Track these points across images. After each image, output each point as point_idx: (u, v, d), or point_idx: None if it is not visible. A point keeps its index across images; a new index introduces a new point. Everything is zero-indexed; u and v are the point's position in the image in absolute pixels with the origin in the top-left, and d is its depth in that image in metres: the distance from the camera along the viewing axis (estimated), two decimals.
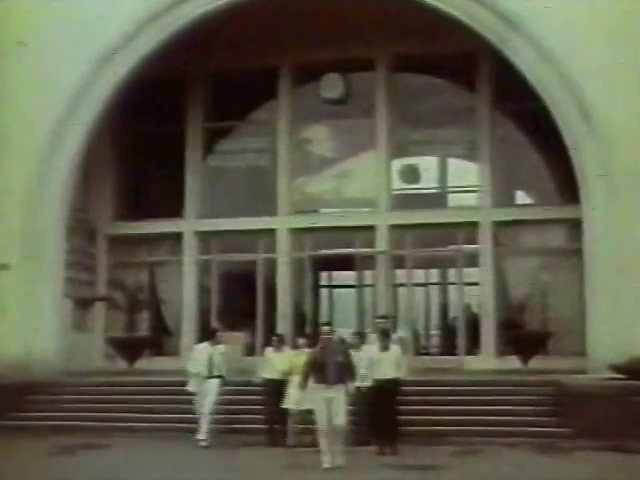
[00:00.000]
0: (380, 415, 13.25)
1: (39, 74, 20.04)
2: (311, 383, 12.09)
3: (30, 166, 19.95)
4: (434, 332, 25.71)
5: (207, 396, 14.28)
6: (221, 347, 14.69)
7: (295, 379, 13.21)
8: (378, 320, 14.98)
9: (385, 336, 13.55)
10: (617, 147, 17.55)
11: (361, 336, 14.16)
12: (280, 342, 15.12)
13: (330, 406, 11.74)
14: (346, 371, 12.04)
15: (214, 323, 21.82)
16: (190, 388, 14.56)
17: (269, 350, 15.07)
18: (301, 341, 14.81)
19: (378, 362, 13.20)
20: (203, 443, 14.00)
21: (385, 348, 13.29)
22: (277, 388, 14.19)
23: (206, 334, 15.57)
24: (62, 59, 19.92)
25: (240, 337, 21.32)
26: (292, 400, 13.75)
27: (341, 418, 11.79)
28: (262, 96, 22.83)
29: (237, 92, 22.51)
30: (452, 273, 23.57)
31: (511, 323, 20.77)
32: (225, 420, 14.73)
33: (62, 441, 14.69)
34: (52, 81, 19.93)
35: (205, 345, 14.80)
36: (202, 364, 14.46)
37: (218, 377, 14.49)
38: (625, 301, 17.17)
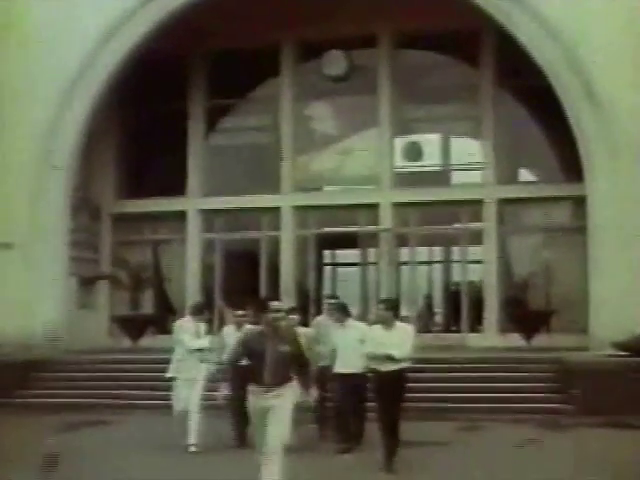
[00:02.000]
0: (381, 419, 10.27)
1: (40, 54, 20.01)
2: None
3: (33, 145, 19.98)
4: (437, 310, 25.72)
5: (194, 388, 11.64)
6: (203, 325, 12.19)
7: None
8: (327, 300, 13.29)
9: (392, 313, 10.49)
10: (621, 124, 17.49)
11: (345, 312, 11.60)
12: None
13: (265, 420, 8.19)
14: (294, 367, 8.38)
15: (218, 301, 21.92)
16: (176, 375, 12.00)
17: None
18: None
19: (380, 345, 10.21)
20: (193, 448, 11.40)
21: (389, 326, 10.25)
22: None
23: (193, 309, 12.68)
24: (63, 38, 19.91)
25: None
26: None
27: (277, 438, 8.11)
28: (264, 73, 22.75)
29: (239, 69, 22.43)
30: (456, 251, 23.56)
31: (514, 301, 20.78)
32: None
33: (66, 418, 14.76)
34: (53, 60, 19.92)
35: (188, 321, 12.29)
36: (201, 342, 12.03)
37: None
38: (628, 279, 17.17)
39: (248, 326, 11.31)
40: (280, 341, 8.19)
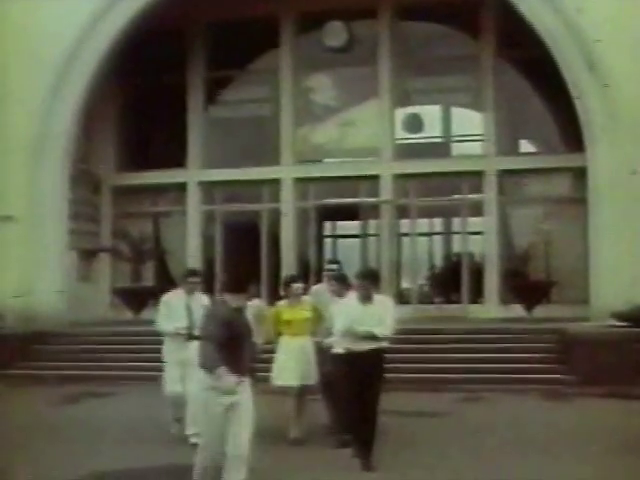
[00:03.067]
0: (353, 407, 8.94)
1: (38, 27, 19.90)
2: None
3: (32, 118, 19.91)
4: (437, 281, 25.74)
5: (187, 372, 9.99)
6: (204, 298, 10.62)
7: None
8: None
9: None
10: (622, 95, 17.43)
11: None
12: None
13: (227, 419, 7.12)
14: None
15: (219, 273, 21.93)
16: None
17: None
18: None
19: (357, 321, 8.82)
20: (193, 439, 9.26)
21: (366, 299, 8.87)
22: None
23: (183, 278, 10.99)
24: (60, 11, 19.78)
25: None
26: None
27: (244, 440, 7.15)
28: (264, 45, 22.62)
29: (239, 41, 22.31)
30: (456, 222, 23.55)
31: (515, 272, 20.81)
32: None
33: (67, 390, 14.83)
34: (51, 33, 19.80)
35: (179, 294, 10.74)
36: (180, 322, 10.50)
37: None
38: (628, 250, 17.17)
39: (255, 301, 10.11)
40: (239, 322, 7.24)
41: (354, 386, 8.77)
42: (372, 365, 8.78)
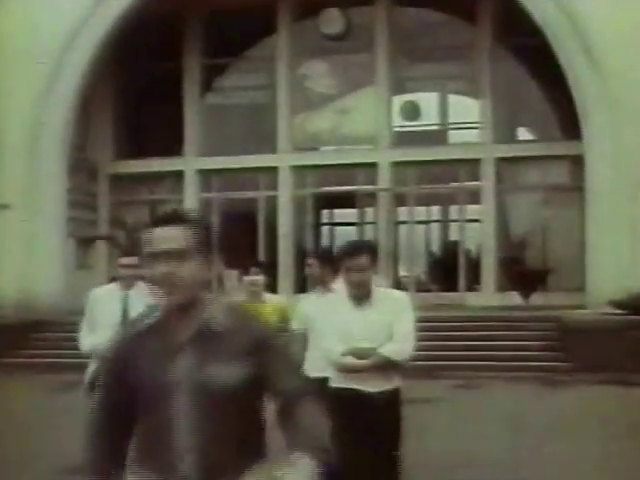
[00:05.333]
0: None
1: (34, 15, 19.84)
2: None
3: (29, 106, 19.86)
4: (435, 269, 25.74)
5: None
6: (143, 293, 5.96)
7: None
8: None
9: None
10: (619, 82, 17.41)
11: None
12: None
13: None
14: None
15: (216, 261, 21.88)
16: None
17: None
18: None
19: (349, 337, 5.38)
20: None
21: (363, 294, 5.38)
22: None
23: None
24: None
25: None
26: None
27: None
28: (261, 32, 22.58)
29: (236, 28, 22.27)
30: (453, 210, 23.55)
31: (512, 259, 20.83)
32: None
33: (65, 378, 14.82)
34: (48, 20, 19.74)
35: (111, 289, 7.37)
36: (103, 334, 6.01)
37: None
38: (625, 237, 17.19)
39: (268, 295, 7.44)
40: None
41: (357, 452, 5.10)
42: (387, 411, 5.41)
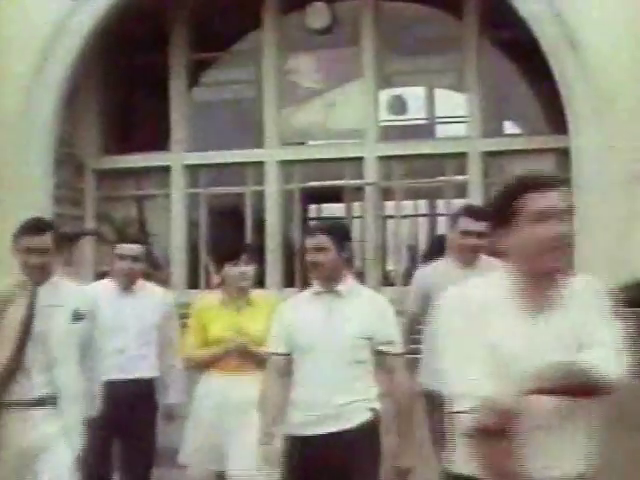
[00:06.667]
0: None
1: (19, 8, 19.75)
2: None
3: (13, 100, 19.79)
4: (422, 263, 25.77)
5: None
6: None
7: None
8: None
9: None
10: (606, 77, 17.45)
11: None
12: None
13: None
14: None
15: (204, 257, 21.88)
16: None
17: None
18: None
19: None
20: None
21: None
22: None
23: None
24: None
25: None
26: None
27: None
28: (246, 26, 22.49)
29: (221, 22, 22.18)
30: (441, 204, 23.57)
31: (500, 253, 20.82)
32: None
33: None
34: (33, 12, 19.65)
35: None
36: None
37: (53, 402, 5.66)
38: (613, 231, 17.23)
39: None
40: None
41: None
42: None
